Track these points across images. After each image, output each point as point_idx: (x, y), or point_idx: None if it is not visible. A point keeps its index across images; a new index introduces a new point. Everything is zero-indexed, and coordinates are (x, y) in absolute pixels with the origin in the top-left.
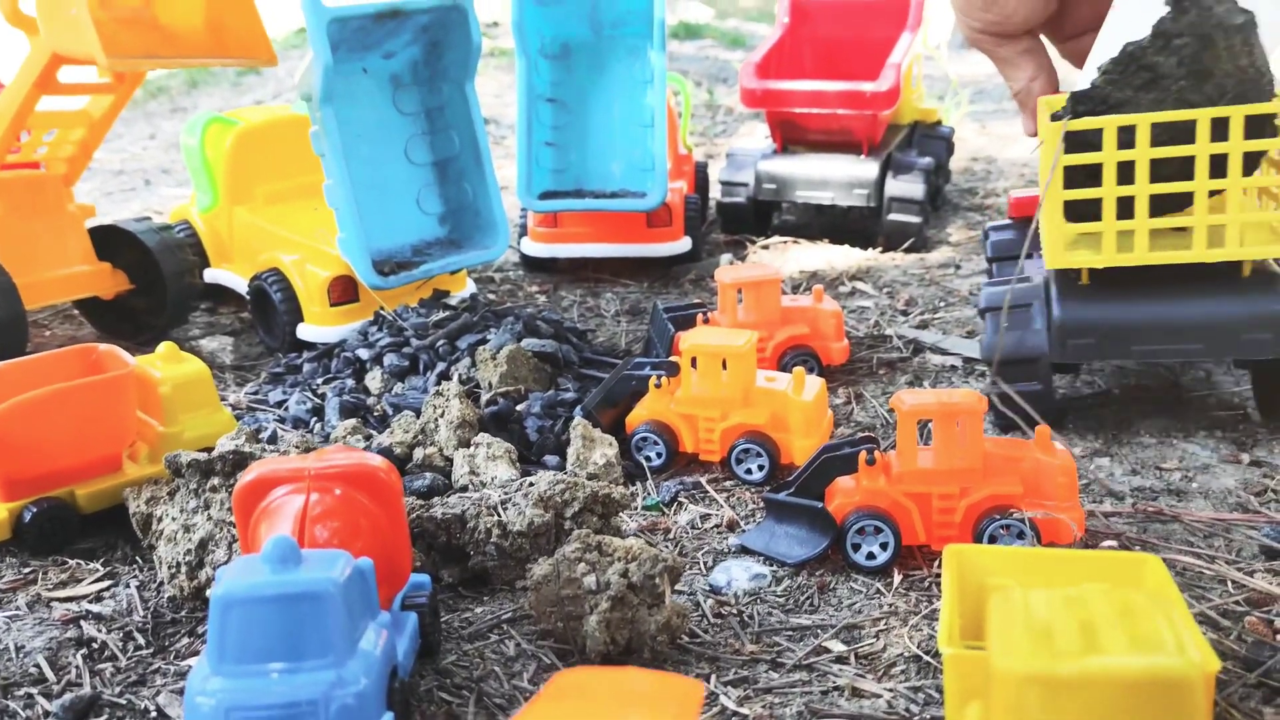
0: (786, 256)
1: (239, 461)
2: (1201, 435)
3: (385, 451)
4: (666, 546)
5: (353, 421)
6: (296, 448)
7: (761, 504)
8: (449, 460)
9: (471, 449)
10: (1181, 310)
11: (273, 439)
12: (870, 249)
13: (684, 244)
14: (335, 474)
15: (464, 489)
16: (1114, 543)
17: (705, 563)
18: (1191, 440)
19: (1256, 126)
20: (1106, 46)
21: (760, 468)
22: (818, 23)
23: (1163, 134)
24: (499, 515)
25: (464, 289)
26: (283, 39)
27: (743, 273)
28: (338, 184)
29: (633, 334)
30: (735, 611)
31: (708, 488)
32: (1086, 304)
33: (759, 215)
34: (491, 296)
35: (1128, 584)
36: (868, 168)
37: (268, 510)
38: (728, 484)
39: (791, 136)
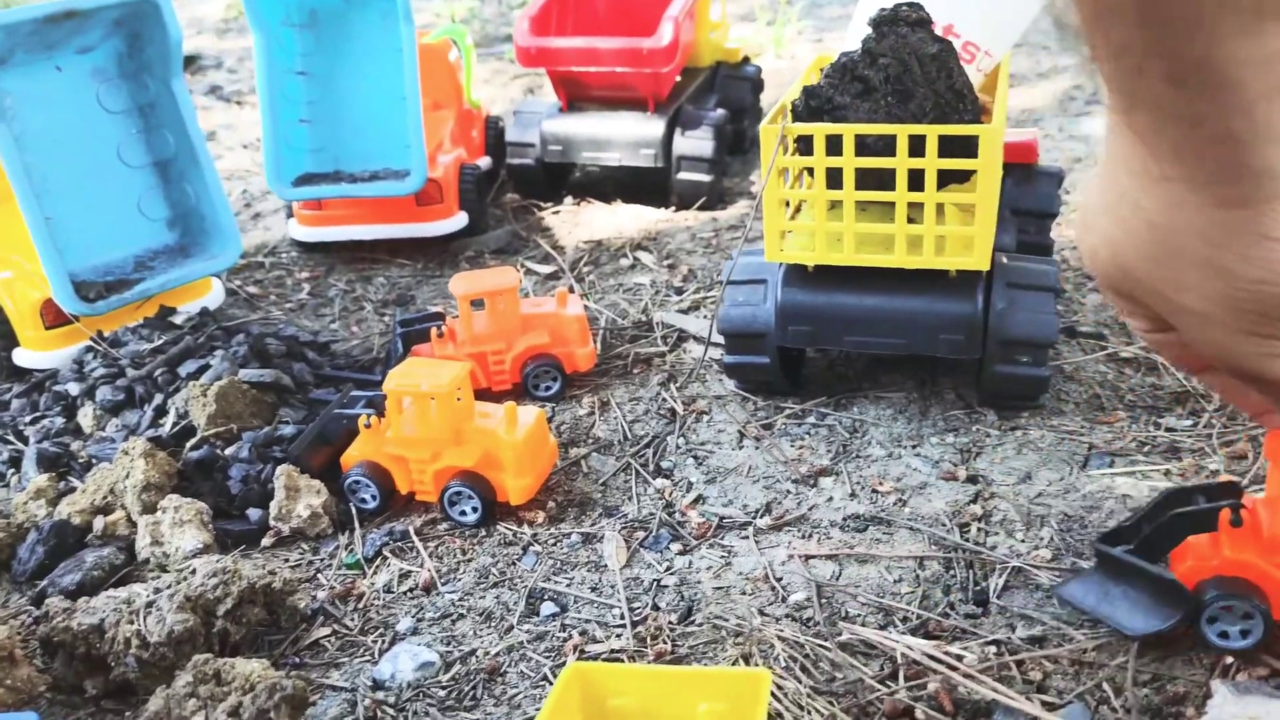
0: (577, 221)
1: None
2: (932, 442)
3: (62, 524)
4: (353, 617)
5: (46, 478)
6: None
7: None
8: (135, 525)
9: (157, 514)
10: (889, 306)
11: None
12: (665, 208)
13: (458, 221)
14: None
15: (146, 562)
16: (808, 593)
17: (380, 646)
18: (919, 450)
19: (962, 146)
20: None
21: (474, 509)
22: None
23: (877, 144)
24: (139, 623)
25: (208, 294)
26: None
27: (478, 283)
28: (24, 205)
29: (390, 332)
30: (392, 713)
31: (415, 539)
32: (808, 292)
33: (554, 174)
34: (254, 290)
35: (743, 700)
36: (653, 126)
37: None
38: (443, 528)
39: (576, 94)
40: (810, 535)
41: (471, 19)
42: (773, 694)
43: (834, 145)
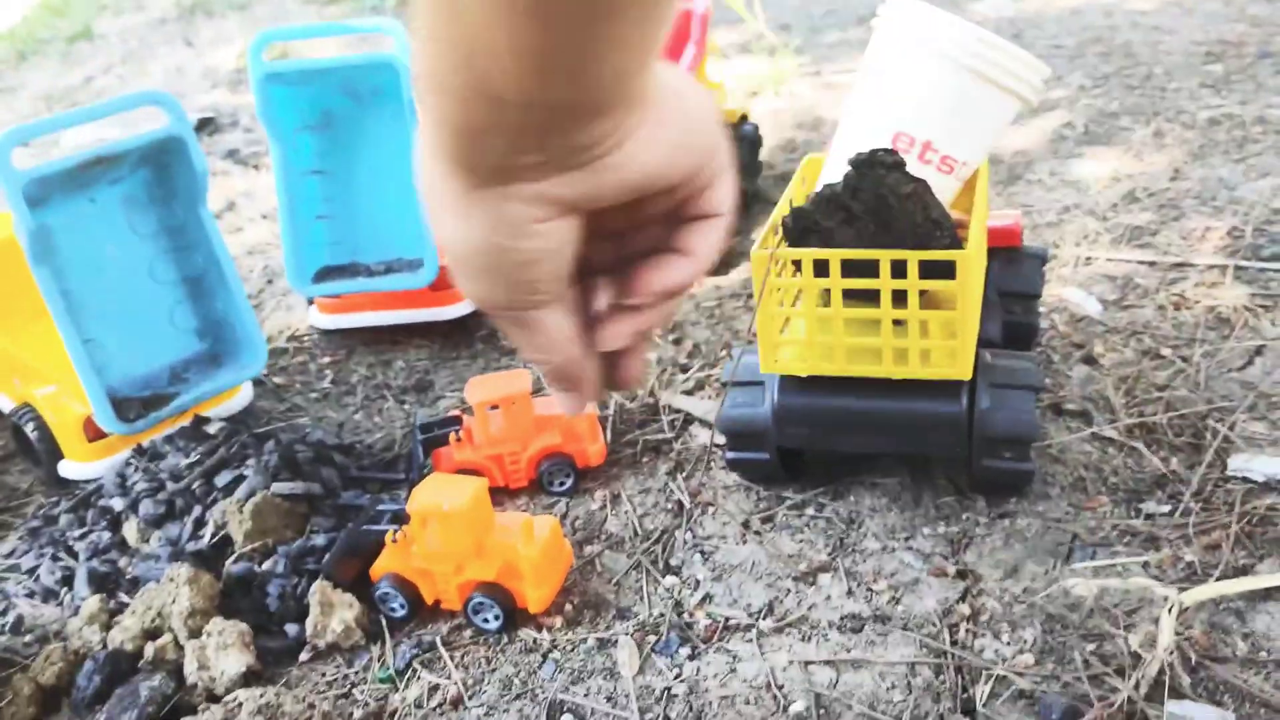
0: None
1: None
2: (925, 533)
3: (116, 653)
4: None
5: (97, 599)
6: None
7: None
8: (183, 649)
9: (202, 639)
10: (880, 409)
11: (17, 625)
12: None
13: (469, 304)
14: None
15: (194, 686)
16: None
17: None
18: (912, 543)
19: (943, 269)
20: (839, 150)
21: (496, 617)
22: None
23: (862, 263)
24: None
25: (237, 395)
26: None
27: (493, 389)
28: (64, 332)
29: (411, 427)
30: None
31: (442, 650)
32: (803, 395)
33: None
34: (279, 380)
35: None
36: None
37: None
38: (467, 635)
39: None
40: (810, 637)
41: None
42: None
43: (821, 267)
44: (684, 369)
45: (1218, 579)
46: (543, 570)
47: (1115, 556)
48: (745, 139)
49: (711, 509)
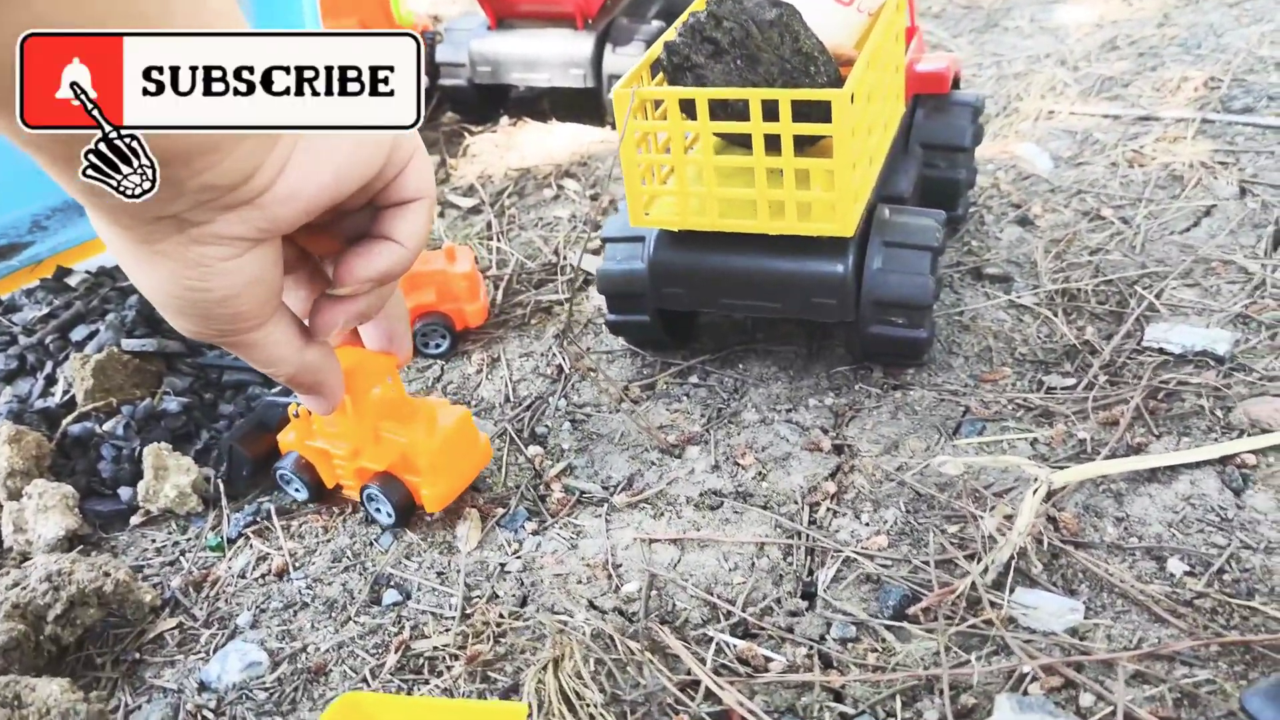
0: (510, 145)
1: None
2: (810, 404)
3: None
4: (201, 607)
5: None
6: None
7: None
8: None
9: (21, 501)
10: (759, 268)
11: None
12: (603, 125)
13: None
14: None
15: (9, 550)
16: (637, 585)
17: (217, 642)
18: (792, 415)
19: (820, 110)
20: None
21: (389, 514)
22: None
23: (738, 105)
24: None
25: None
26: None
27: None
28: None
29: None
30: (211, 717)
31: (275, 519)
32: (679, 253)
33: (489, 93)
34: None
35: None
36: (582, 44)
37: None
38: (316, 511)
39: (504, 11)
40: (662, 514)
41: None
42: (569, 704)
43: (690, 109)
44: (596, 227)
45: (1106, 457)
46: (442, 466)
47: (1005, 432)
48: None
49: (592, 375)
